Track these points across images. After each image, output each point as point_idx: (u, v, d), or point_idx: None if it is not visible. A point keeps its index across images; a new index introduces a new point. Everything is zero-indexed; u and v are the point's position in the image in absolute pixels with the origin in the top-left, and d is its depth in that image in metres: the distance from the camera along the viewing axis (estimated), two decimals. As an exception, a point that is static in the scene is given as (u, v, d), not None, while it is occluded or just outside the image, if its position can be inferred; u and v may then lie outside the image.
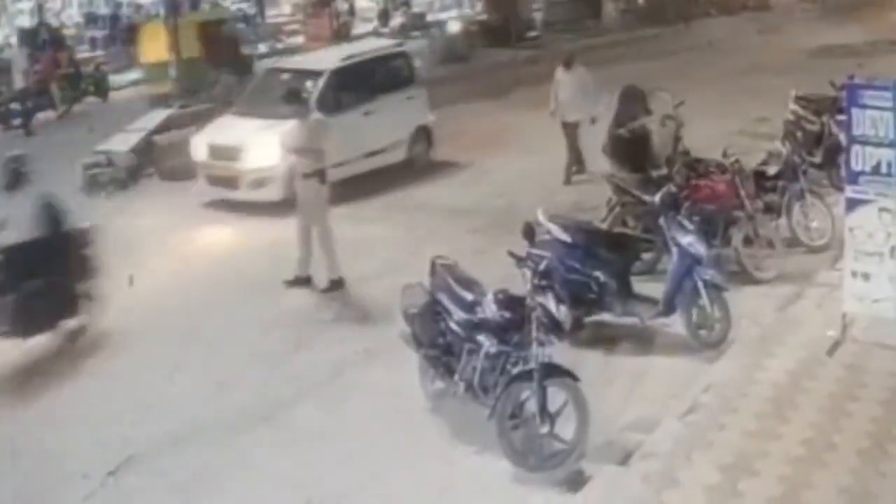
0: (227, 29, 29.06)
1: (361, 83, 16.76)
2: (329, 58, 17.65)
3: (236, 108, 17.04)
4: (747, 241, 11.13)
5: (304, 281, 11.99)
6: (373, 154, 16.26)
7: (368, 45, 18.63)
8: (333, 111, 15.26)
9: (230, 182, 15.45)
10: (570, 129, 15.96)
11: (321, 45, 24.41)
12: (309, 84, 15.96)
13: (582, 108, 15.91)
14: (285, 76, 17.25)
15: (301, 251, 12.02)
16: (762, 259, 11.17)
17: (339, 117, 15.18)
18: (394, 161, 16.76)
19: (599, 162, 13.72)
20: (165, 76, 24.23)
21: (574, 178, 15.73)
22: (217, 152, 15.79)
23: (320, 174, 11.93)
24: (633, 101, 13.49)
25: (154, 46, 25.83)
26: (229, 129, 16.15)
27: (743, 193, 11.22)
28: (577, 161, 15.88)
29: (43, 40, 28.91)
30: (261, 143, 15.03)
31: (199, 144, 16.23)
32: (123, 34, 36.16)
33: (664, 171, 11.96)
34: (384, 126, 16.50)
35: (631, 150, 12.88)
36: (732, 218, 11.19)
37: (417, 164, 17.17)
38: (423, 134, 17.58)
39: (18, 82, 24.51)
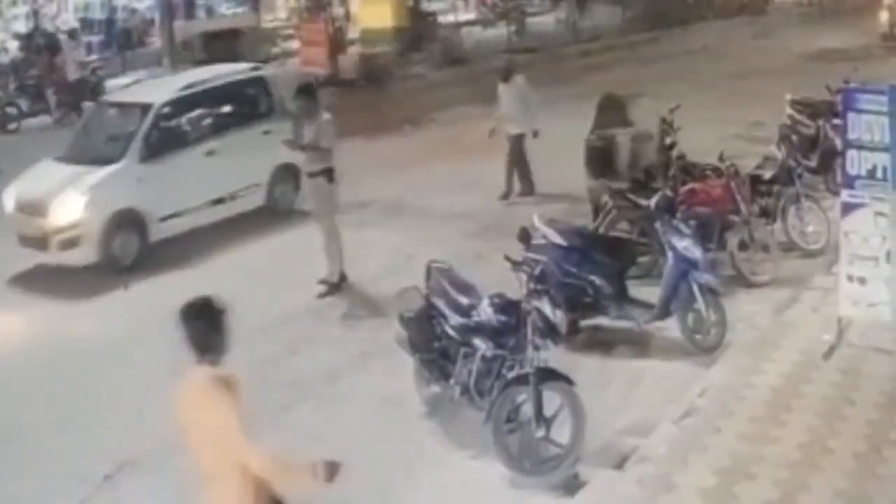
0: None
1: (203, 117, 14.37)
2: (164, 88, 14.97)
3: (62, 151, 14.28)
4: (743, 246, 11.14)
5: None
6: (219, 202, 14.01)
7: (218, 71, 15.70)
8: (165, 151, 13.49)
9: (39, 242, 12.94)
10: (512, 143, 15.27)
11: (317, 50, 24.41)
12: (137, 120, 13.64)
13: (521, 122, 15.13)
14: (112, 112, 14.93)
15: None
16: (758, 263, 11.17)
17: (172, 159, 13.49)
18: (248, 208, 14.46)
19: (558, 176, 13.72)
20: (380, 40, 29.32)
21: (518, 198, 15.04)
22: (24, 206, 13.24)
23: (328, 173, 11.85)
24: (610, 109, 13.28)
25: (374, 13, 31.22)
26: (41, 179, 13.61)
27: (738, 198, 11.23)
28: (524, 179, 15.27)
29: (38, 45, 28.88)
30: (69, 196, 12.89)
31: (9, 196, 13.59)
32: (119, 39, 36.18)
33: (624, 185, 11.96)
34: (233, 167, 14.12)
35: (600, 158, 12.84)
36: (728, 222, 11.19)
37: (281, 210, 14.86)
38: (289, 174, 14.80)
39: (73, 73, 24.87)
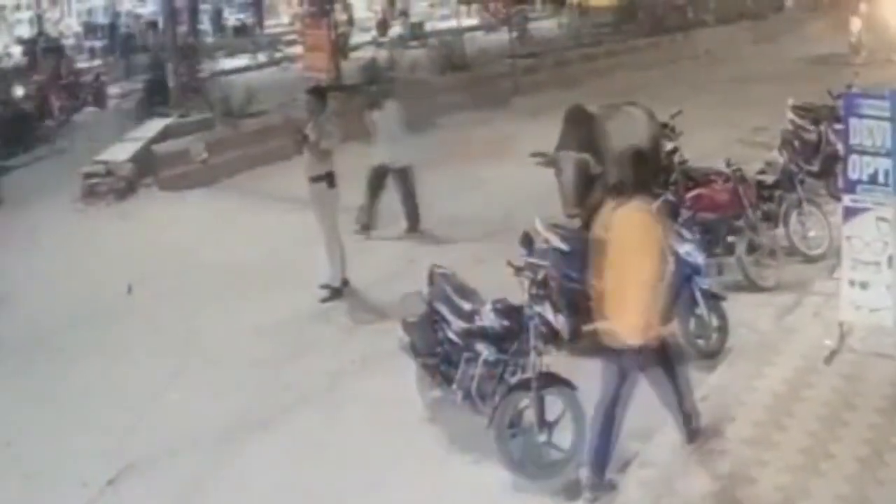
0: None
1: None
2: None
3: None
4: (750, 249, 11.14)
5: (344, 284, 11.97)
6: None
7: None
8: None
9: None
10: (387, 175, 14.07)
11: (320, 55, 24.39)
12: None
13: (398, 152, 13.92)
14: None
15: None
16: (764, 267, 11.19)
17: None
18: None
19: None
20: (603, 12, 36.66)
21: (407, 234, 14.13)
22: None
23: (329, 178, 11.86)
24: (575, 124, 12.40)
25: None
26: None
27: (746, 202, 11.23)
28: (410, 215, 14.23)
29: (41, 50, 28.93)
30: None
31: None
32: (122, 44, 36.23)
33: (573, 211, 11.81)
34: None
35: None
36: (733, 227, 11.19)
37: None
38: None
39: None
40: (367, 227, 14.17)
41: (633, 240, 6.77)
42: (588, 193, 11.90)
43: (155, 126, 19.65)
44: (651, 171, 7.15)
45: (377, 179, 14.15)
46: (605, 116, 12.56)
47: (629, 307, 6.80)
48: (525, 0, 41.98)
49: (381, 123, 14.16)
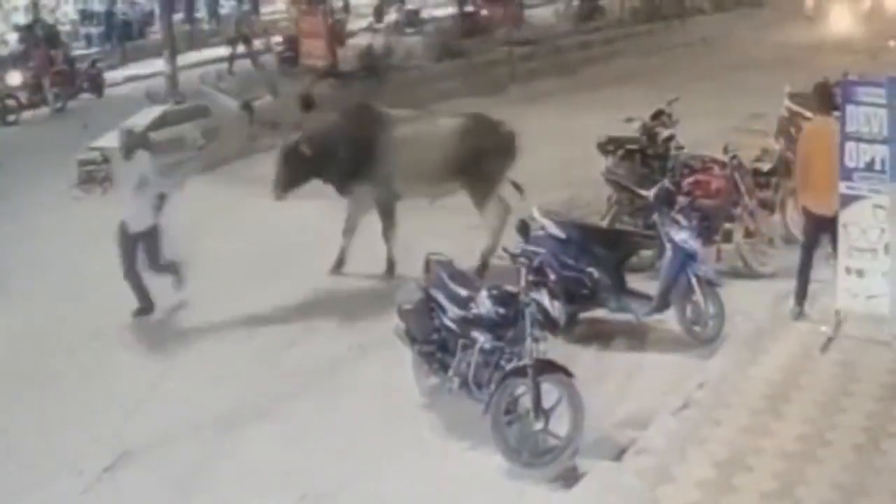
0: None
1: None
2: None
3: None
4: (748, 235, 11.15)
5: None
6: None
7: None
8: None
9: None
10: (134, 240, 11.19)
11: (316, 42, 24.36)
12: None
13: (137, 213, 11.16)
14: None
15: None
16: (762, 254, 11.20)
17: None
18: None
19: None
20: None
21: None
22: None
23: None
24: (353, 121, 12.23)
25: None
26: None
27: (743, 189, 11.24)
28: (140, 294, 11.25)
29: (37, 37, 28.83)
30: None
31: None
32: (119, 31, 36.14)
33: None
34: None
35: None
36: (731, 214, 11.20)
37: None
38: None
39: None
40: (143, 310, 11.29)
41: (826, 142, 9.04)
42: (296, 178, 11.94)
43: (151, 113, 19.55)
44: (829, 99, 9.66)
45: (124, 243, 11.29)
46: (406, 120, 12.51)
47: (824, 188, 9.05)
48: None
49: (126, 179, 11.68)
